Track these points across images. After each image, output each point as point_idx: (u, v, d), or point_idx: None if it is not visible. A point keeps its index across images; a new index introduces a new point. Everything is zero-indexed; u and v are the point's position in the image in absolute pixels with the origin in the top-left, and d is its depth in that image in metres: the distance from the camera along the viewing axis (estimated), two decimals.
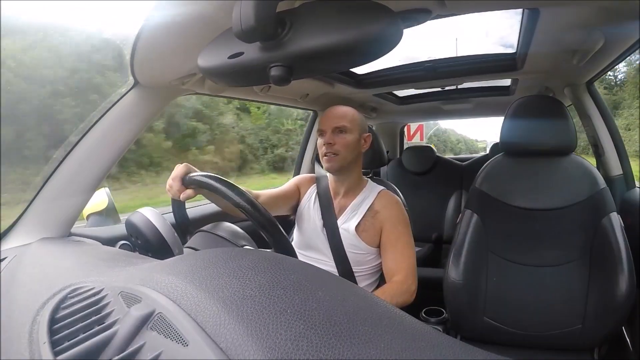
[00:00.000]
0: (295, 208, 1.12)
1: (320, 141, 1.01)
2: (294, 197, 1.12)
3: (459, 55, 1.48)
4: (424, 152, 2.41)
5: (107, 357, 0.31)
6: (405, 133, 3.18)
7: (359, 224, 1.01)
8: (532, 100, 1.11)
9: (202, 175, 0.72)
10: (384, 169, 2.43)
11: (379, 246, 1.02)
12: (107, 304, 0.38)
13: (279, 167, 9.09)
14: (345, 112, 1.01)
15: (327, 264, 1.02)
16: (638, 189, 1.35)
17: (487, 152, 3.10)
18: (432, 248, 2.13)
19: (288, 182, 1.15)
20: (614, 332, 0.99)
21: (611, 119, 1.41)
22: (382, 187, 1.08)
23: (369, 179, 1.11)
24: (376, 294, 0.90)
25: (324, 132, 1.00)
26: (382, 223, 1.00)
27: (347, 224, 1.02)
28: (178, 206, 0.82)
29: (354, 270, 1.00)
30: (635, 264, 0.96)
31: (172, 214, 0.82)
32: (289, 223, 1.19)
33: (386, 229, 1.00)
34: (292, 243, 1.12)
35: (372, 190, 1.06)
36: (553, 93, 1.63)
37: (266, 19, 0.39)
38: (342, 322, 0.29)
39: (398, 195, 1.14)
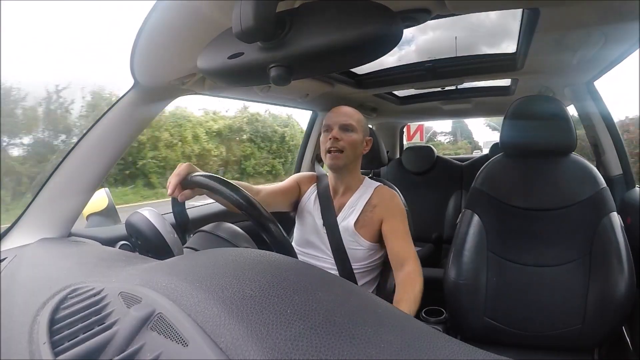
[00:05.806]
0: (295, 205, 1.13)
1: (324, 137, 1.02)
2: (294, 194, 1.12)
3: (458, 55, 1.48)
4: (423, 152, 2.41)
5: (107, 358, 0.31)
6: (405, 133, 3.18)
7: (357, 220, 1.02)
8: (532, 100, 1.11)
9: (202, 176, 0.72)
10: (383, 169, 2.43)
11: (378, 241, 1.03)
12: (107, 304, 0.38)
13: None
14: (352, 112, 1.04)
15: (327, 261, 1.02)
16: (638, 188, 1.35)
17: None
18: (432, 248, 2.13)
19: (288, 179, 1.16)
20: (614, 332, 0.99)
21: (611, 119, 1.41)
22: (378, 183, 1.09)
23: (365, 177, 1.12)
24: (402, 298, 0.90)
25: (331, 127, 1.01)
26: (381, 215, 1.01)
27: (346, 221, 1.02)
28: (178, 206, 0.81)
29: (353, 267, 1.01)
30: (635, 264, 0.96)
31: (172, 214, 0.82)
32: (289, 220, 1.20)
33: (386, 220, 1.01)
34: (292, 241, 1.12)
35: (369, 187, 1.07)
36: (553, 93, 1.62)
37: (266, 19, 0.39)
38: (342, 322, 0.29)
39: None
